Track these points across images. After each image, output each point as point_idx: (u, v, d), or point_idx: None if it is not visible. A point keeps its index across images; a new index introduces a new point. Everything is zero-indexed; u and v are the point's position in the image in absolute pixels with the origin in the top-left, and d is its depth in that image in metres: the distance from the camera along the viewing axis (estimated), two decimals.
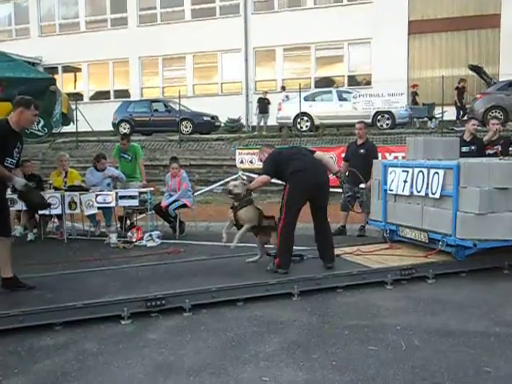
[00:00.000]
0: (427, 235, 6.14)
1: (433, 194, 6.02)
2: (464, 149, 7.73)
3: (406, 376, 3.40)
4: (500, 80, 17.02)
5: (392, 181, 6.73)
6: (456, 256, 5.78)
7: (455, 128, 16.12)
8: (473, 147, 7.85)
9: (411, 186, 6.38)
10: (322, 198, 5.63)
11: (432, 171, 6.07)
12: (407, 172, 6.47)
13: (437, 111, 17.30)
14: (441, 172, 5.93)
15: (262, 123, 19.26)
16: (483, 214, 5.56)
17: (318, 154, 5.95)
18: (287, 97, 18.88)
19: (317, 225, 5.70)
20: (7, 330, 4.22)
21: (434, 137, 13.16)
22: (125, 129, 19.45)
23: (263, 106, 19.11)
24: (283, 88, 20.28)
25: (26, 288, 5.08)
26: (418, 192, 6.26)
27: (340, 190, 8.36)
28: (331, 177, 5.84)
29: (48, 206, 5.18)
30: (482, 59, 19.14)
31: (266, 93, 19.84)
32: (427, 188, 6.11)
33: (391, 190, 6.75)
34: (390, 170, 6.82)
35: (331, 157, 12.49)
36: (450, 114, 17.26)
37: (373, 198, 7.27)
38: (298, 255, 5.98)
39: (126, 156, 9.33)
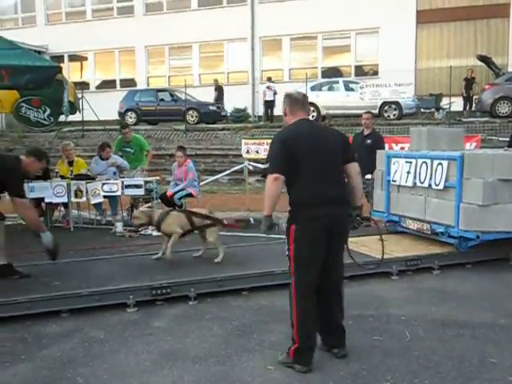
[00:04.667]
0: (430, 226, 6.13)
1: (436, 185, 5.99)
2: None
3: (410, 366, 3.41)
4: (509, 71, 16.87)
5: (395, 171, 6.71)
6: (459, 247, 5.77)
7: (462, 119, 16.02)
8: None
9: (414, 177, 6.36)
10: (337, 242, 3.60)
11: (435, 162, 6.05)
12: (410, 163, 6.44)
13: (444, 102, 17.18)
14: (444, 163, 5.91)
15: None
16: (487, 205, 5.54)
17: (353, 169, 3.63)
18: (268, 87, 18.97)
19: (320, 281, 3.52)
20: (15, 316, 4.26)
21: (440, 127, 13.06)
22: (131, 118, 19.45)
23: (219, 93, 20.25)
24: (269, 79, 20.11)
25: (20, 276, 5.11)
26: (422, 183, 6.24)
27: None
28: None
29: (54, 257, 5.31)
30: (491, 49, 18.96)
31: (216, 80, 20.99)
32: (430, 179, 6.09)
33: (394, 181, 6.73)
34: (393, 160, 6.80)
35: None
36: (458, 104, 17.14)
37: (376, 188, 7.25)
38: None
39: (128, 149, 9.20)
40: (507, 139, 9.64)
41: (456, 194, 5.73)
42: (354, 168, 3.62)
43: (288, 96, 3.73)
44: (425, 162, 6.20)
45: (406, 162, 6.51)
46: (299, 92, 4.01)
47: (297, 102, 3.64)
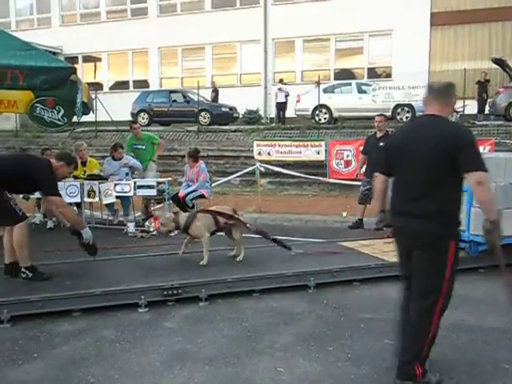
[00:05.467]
0: None
1: None
2: None
3: None
4: None
5: None
6: (469, 252, 5.73)
7: (476, 122, 15.90)
8: None
9: None
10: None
11: None
12: None
13: (458, 105, 17.06)
14: None
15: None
16: (498, 209, 5.47)
17: (470, 181, 3.15)
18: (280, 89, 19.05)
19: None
20: (27, 315, 4.30)
21: None
22: (143, 119, 19.54)
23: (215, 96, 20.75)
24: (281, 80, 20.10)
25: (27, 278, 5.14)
26: None
27: (358, 183, 8.30)
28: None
29: (94, 253, 5.59)
30: (506, 52, 18.78)
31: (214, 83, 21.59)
32: None
33: None
34: None
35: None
36: (472, 107, 17.01)
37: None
38: (287, 246, 5.86)
39: (139, 147, 9.32)
40: None
41: (467, 197, 5.68)
42: (470, 179, 3.07)
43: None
44: None
45: None
46: (441, 82, 3.31)
47: (429, 91, 3.17)
